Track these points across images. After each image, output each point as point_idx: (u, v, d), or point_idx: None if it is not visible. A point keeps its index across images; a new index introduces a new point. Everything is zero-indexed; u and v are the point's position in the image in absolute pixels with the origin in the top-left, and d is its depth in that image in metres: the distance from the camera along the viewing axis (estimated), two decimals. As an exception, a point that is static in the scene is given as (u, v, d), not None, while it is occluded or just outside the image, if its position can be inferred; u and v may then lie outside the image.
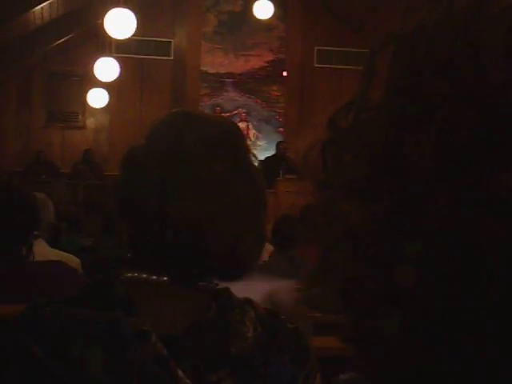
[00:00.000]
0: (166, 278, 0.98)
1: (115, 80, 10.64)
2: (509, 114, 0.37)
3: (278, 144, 11.93)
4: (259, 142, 13.18)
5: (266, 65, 13.39)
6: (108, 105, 11.86)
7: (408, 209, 0.39)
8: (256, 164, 1.06)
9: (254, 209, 1.00)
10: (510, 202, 0.36)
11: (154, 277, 0.98)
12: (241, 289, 1.05)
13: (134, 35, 9.00)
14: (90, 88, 11.61)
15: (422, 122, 0.39)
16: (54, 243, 3.62)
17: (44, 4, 10.43)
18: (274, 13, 10.87)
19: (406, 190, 0.39)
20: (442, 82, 0.40)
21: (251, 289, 1.04)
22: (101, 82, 10.76)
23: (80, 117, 13.02)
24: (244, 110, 13.29)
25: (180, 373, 0.92)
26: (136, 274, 0.99)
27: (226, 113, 12.98)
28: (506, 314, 0.36)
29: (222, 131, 1.03)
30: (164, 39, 13.10)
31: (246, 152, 1.04)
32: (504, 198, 0.36)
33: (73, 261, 3.04)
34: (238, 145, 1.03)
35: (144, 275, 0.99)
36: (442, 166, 0.38)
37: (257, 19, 11.06)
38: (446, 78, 0.39)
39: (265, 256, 4.49)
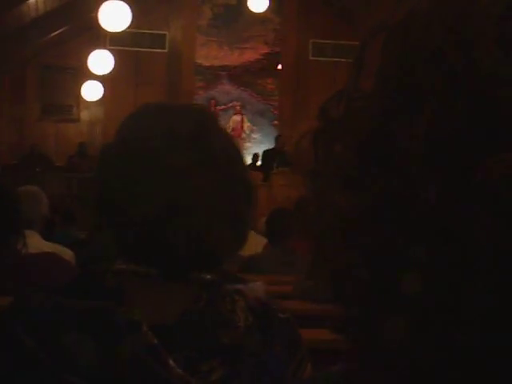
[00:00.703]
0: (154, 270, 0.98)
1: (110, 73, 10.63)
2: (499, 104, 0.37)
3: (278, 137, 11.93)
4: (254, 135, 13.19)
5: (261, 58, 13.38)
6: (102, 97, 11.84)
7: (397, 198, 0.39)
8: (234, 155, 1.04)
9: (223, 199, 0.99)
10: (500, 192, 0.36)
11: (144, 268, 0.98)
12: None
13: (128, 28, 8.99)
14: (85, 81, 11.60)
15: (412, 111, 0.39)
16: (47, 236, 3.61)
17: (38, -4, 10.40)
18: (269, 6, 10.85)
19: (395, 179, 0.39)
20: (432, 72, 0.39)
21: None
22: (95, 74, 10.75)
23: (74, 110, 13.00)
24: (239, 103, 13.28)
25: (171, 362, 0.92)
26: (124, 266, 1.00)
27: (220, 105, 12.98)
28: (508, 314, 0.36)
29: (189, 123, 1.02)
30: (159, 32, 13.08)
31: (216, 143, 1.02)
32: (494, 188, 0.36)
33: (66, 253, 3.04)
34: (207, 136, 1.02)
35: (133, 267, 0.99)
36: (431, 156, 0.38)
37: (252, 12, 11.03)
38: (437, 67, 0.39)
39: (259, 249, 4.49)
